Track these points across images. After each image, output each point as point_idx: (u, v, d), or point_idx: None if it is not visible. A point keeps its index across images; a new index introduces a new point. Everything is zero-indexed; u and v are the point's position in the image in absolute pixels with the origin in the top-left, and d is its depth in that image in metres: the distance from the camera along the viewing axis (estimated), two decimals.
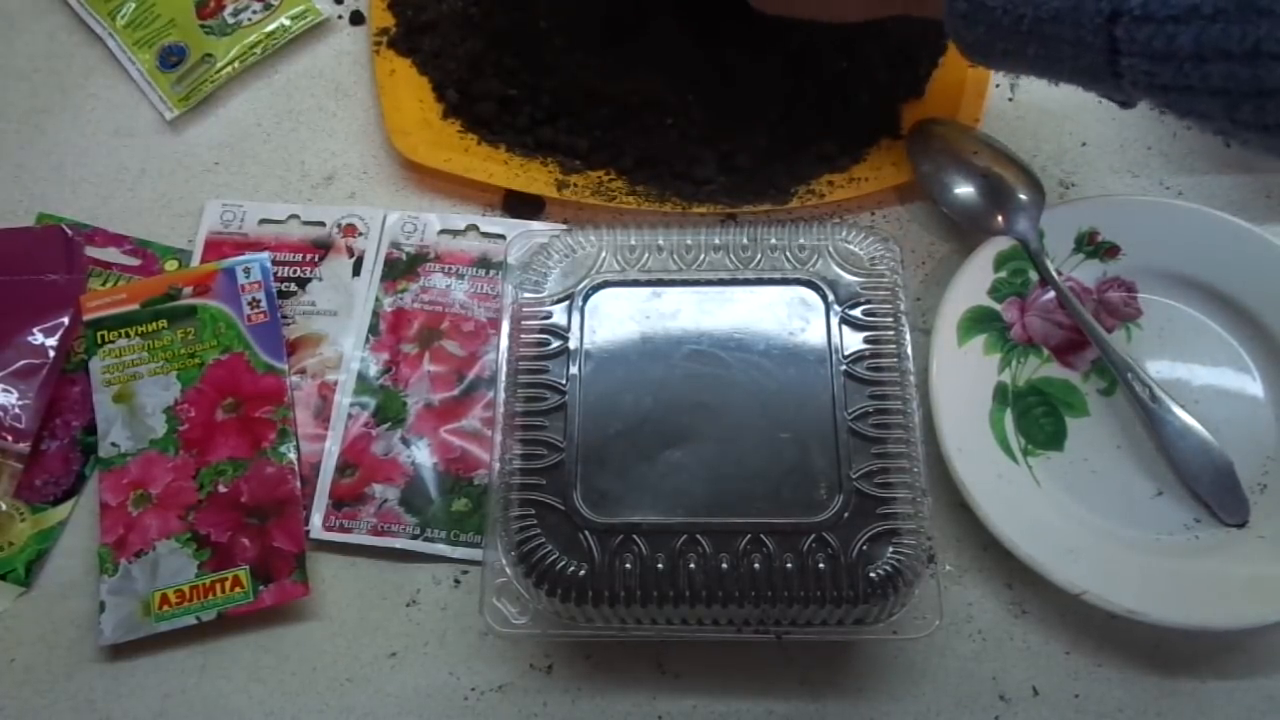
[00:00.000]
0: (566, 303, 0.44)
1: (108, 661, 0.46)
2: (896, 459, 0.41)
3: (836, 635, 0.41)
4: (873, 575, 0.39)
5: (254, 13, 0.60)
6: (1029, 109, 0.57)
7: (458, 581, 0.47)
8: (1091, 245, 0.52)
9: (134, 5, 0.60)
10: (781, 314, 0.44)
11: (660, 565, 0.39)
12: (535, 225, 0.54)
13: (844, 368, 0.42)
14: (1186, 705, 0.44)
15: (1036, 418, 0.49)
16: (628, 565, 0.39)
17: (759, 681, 0.45)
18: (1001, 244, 0.51)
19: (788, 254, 0.45)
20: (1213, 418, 0.47)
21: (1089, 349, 0.50)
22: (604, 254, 0.46)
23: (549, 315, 0.44)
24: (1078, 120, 0.57)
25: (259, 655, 0.46)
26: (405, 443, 0.49)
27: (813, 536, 0.39)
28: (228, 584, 0.46)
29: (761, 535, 0.39)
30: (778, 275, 0.45)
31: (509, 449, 0.42)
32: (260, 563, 0.46)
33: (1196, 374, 0.49)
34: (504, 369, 0.44)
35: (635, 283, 0.45)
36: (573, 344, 0.43)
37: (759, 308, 0.44)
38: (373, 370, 0.51)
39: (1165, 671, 0.45)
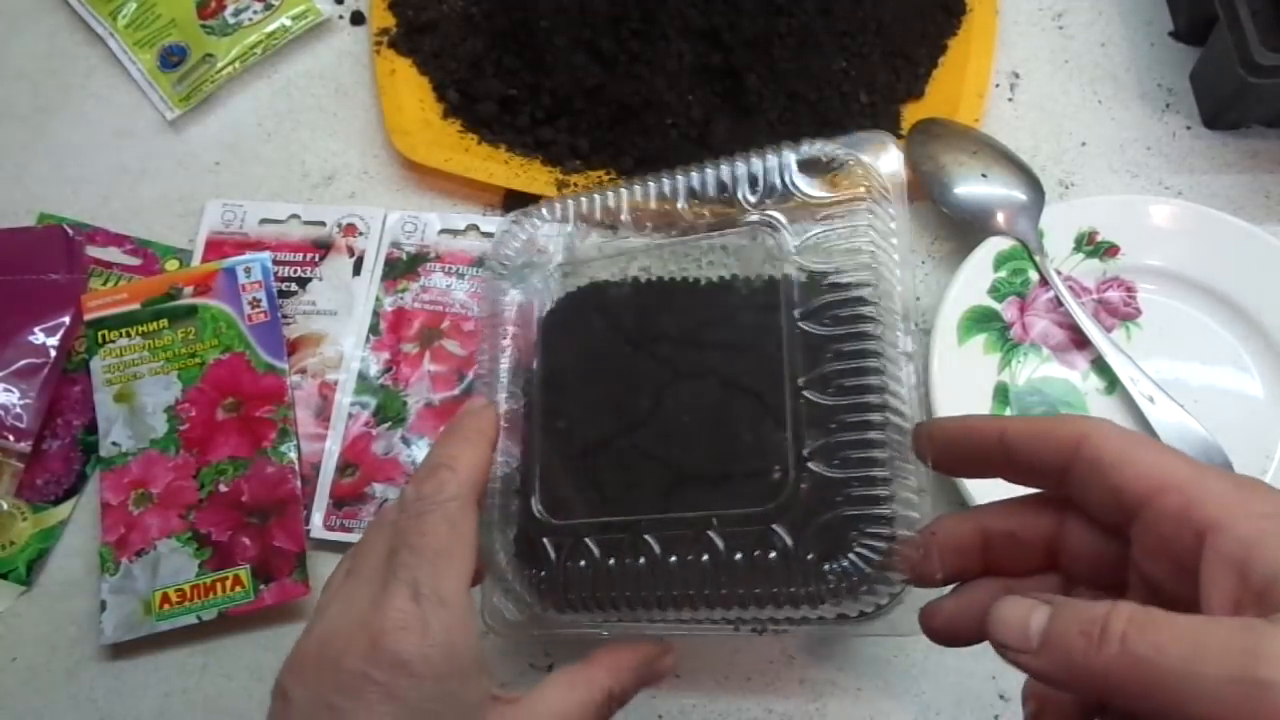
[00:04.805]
0: (527, 299, 0.42)
1: (109, 660, 0.46)
2: (859, 430, 0.35)
3: (835, 633, 0.41)
4: (830, 569, 0.34)
5: (255, 13, 0.60)
6: (1029, 109, 0.57)
7: None
8: (1091, 245, 0.52)
9: (135, 5, 0.61)
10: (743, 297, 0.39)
11: (610, 567, 0.37)
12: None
13: (799, 330, 0.37)
14: None
15: (1038, 416, 0.49)
16: (582, 566, 0.37)
17: (758, 681, 0.45)
18: (1001, 243, 0.51)
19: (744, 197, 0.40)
20: (1211, 417, 0.47)
21: (1089, 348, 0.50)
22: (575, 248, 0.43)
23: (509, 313, 0.42)
24: (1077, 120, 0.57)
25: (260, 654, 0.46)
26: (406, 442, 0.49)
27: (763, 527, 0.35)
28: (228, 583, 0.46)
29: (708, 531, 0.36)
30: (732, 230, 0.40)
31: (508, 449, 0.42)
32: (261, 562, 0.46)
33: (1195, 373, 0.50)
34: (481, 368, 0.43)
35: (608, 283, 0.42)
36: (535, 340, 0.41)
37: (727, 293, 0.40)
38: (373, 370, 0.51)
39: None
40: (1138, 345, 0.50)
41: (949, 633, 0.33)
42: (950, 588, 0.34)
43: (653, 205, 0.41)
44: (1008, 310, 0.50)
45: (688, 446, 0.38)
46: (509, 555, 0.39)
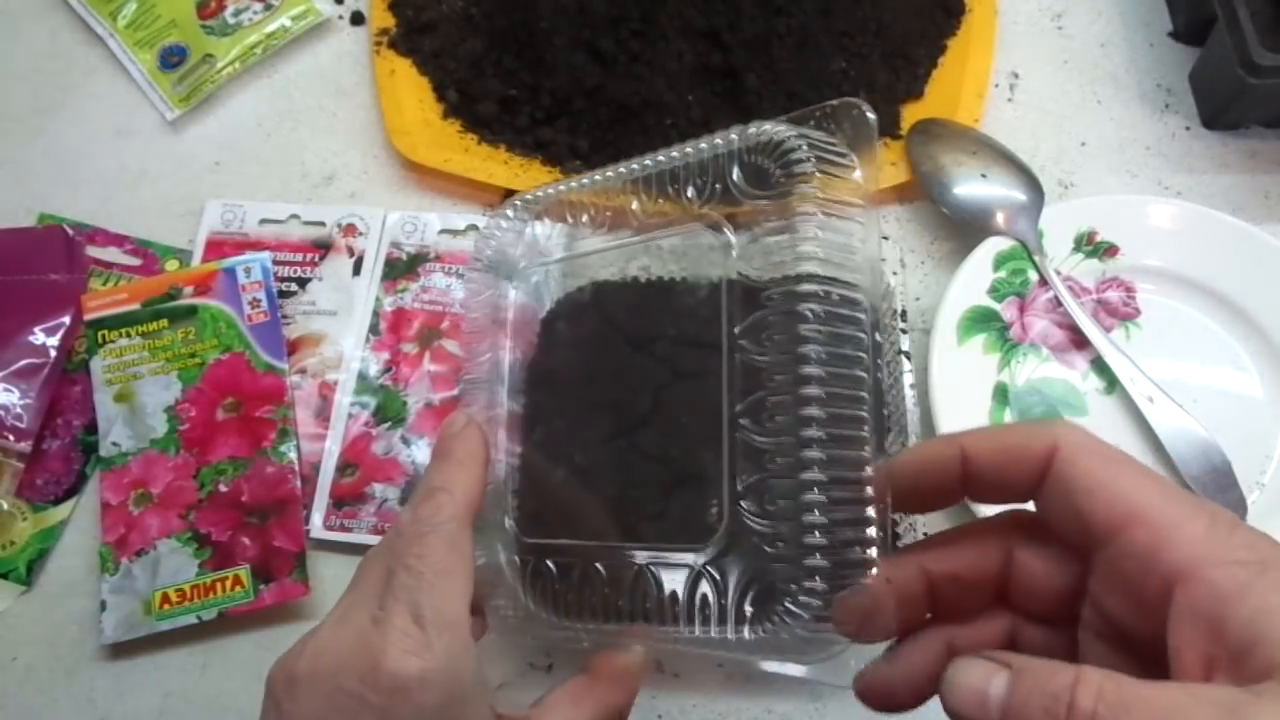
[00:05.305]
0: (527, 299, 0.41)
1: (109, 660, 0.46)
2: (791, 472, 0.30)
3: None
4: (759, 625, 0.30)
5: (255, 13, 0.60)
6: (1028, 109, 0.57)
7: None
8: (1090, 245, 0.52)
9: (135, 6, 0.61)
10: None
11: (567, 588, 0.36)
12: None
13: (738, 348, 0.32)
14: None
15: (1036, 417, 0.49)
16: (543, 584, 0.37)
17: (758, 681, 0.45)
18: (1001, 244, 0.51)
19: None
20: (1211, 417, 0.47)
21: (1088, 348, 0.50)
22: (573, 246, 0.41)
23: (506, 314, 0.41)
24: (1077, 120, 0.57)
25: (260, 654, 0.46)
26: (405, 442, 0.49)
27: (697, 569, 0.32)
28: (228, 583, 0.46)
29: (651, 566, 0.33)
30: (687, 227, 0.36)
31: (510, 448, 0.42)
32: (261, 562, 0.46)
33: (1195, 373, 0.50)
34: (477, 370, 0.41)
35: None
36: (511, 345, 0.40)
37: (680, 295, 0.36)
38: (373, 370, 0.51)
39: None
40: (1137, 345, 0.50)
41: (889, 702, 0.30)
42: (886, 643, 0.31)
43: (609, 200, 0.38)
44: (1007, 310, 0.50)
45: (637, 473, 0.35)
46: (510, 555, 0.40)
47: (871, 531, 0.29)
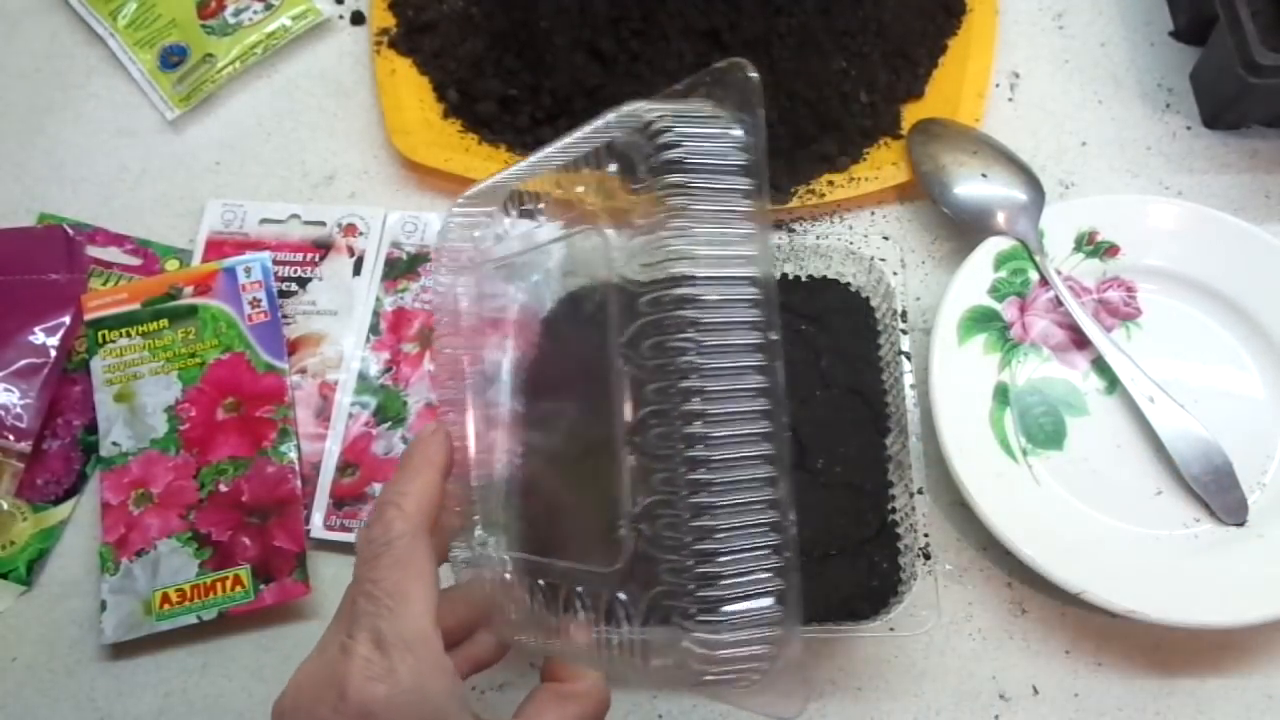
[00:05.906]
0: (528, 300, 0.39)
1: (109, 660, 0.46)
2: (670, 494, 0.26)
3: (831, 634, 0.41)
4: (658, 657, 0.28)
5: (255, 13, 0.60)
6: (1029, 109, 0.57)
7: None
8: (1091, 245, 0.52)
9: (135, 5, 0.61)
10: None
11: (520, 598, 0.35)
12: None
13: (622, 360, 0.29)
14: (1186, 704, 0.44)
15: (1036, 417, 0.49)
16: (502, 593, 0.36)
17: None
18: (1001, 243, 0.51)
19: None
20: (1212, 417, 0.47)
21: (1089, 348, 0.50)
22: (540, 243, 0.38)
23: (509, 314, 0.39)
24: (1077, 120, 0.57)
25: (260, 654, 0.46)
26: (406, 442, 0.49)
27: (610, 592, 0.29)
28: (229, 583, 0.46)
29: (577, 587, 0.31)
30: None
31: (512, 449, 0.41)
32: (261, 562, 0.46)
33: (1196, 373, 0.50)
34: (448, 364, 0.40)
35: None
36: (513, 344, 0.39)
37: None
38: (373, 369, 0.51)
39: (1164, 670, 0.45)
40: (1138, 345, 0.50)
41: None
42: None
43: (537, 188, 0.34)
44: (1008, 310, 0.50)
45: (597, 467, 0.31)
46: (513, 556, 0.39)
47: (777, 556, 0.26)
